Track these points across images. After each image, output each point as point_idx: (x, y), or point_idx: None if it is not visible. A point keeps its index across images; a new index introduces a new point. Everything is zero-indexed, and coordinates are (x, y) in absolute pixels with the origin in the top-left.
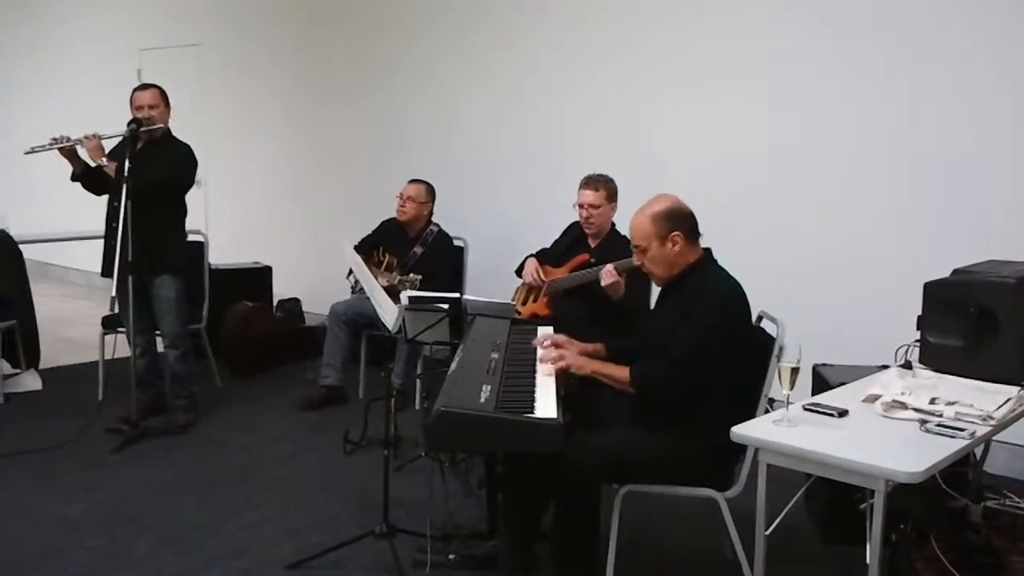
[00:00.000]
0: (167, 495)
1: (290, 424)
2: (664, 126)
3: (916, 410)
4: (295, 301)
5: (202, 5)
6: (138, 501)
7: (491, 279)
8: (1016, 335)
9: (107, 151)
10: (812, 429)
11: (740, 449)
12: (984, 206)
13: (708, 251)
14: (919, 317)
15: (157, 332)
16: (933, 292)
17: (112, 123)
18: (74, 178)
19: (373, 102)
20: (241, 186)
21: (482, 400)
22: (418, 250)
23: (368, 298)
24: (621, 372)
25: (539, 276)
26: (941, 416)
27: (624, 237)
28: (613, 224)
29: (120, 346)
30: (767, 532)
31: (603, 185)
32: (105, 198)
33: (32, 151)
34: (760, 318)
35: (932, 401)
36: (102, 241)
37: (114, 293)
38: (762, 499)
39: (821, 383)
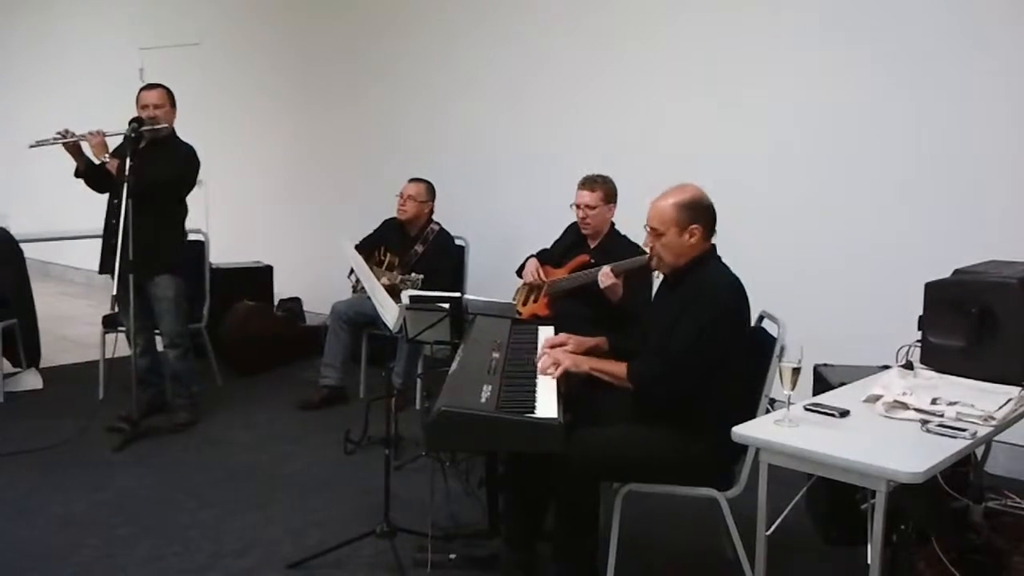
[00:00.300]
0: (168, 494)
1: (291, 423)
2: (664, 126)
3: (917, 410)
4: (296, 300)
5: (203, 4)
6: (139, 500)
7: (492, 279)
8: (1017, 335)
9: (111, 148)
10: (813, 429)
11: (741, 449)
12: (985, 206)
13: (713, 246)
14: (920, 317)
15: (157, 331)
16: (934, 292)
17: (113, 121)
18: (77, 174)
19: (374, 101)
20: (242, 185)
21: (483, 400)
22: (419, 249)
23: (369, 297)
24: (619, 368)
25: (539, 276)
26: (942, 416)
27: (624, 237)
28: (612, 224)
29: (121, 345)
30: (768, 532)
31: (600, 186)
32: (106, 196)
33: (37, 144)
34: (761, 318)
35: (933, 401)
36: (101, 239)
37: (114, 292)
38: (763, 499)
39: (822, 383)
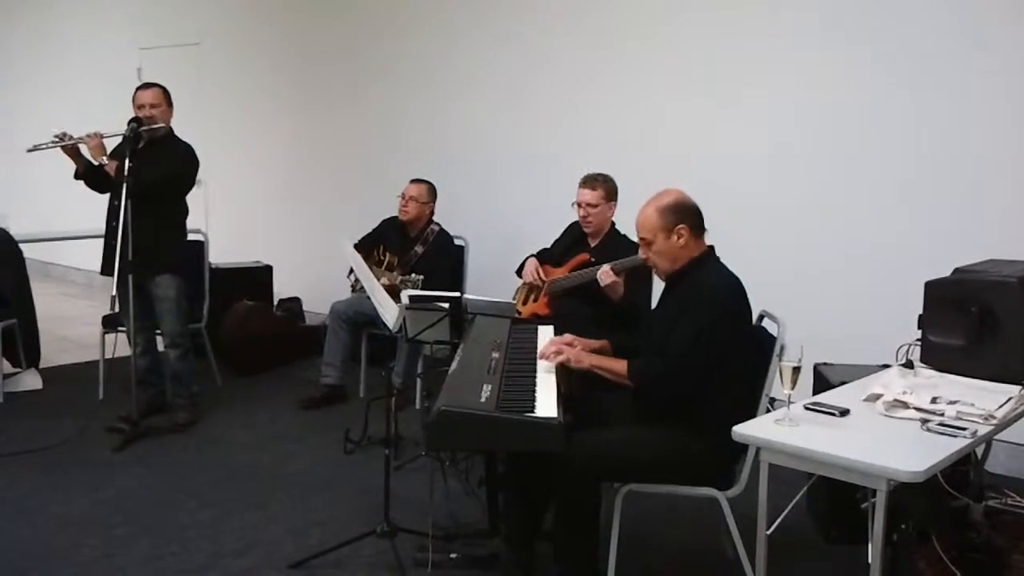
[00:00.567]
0: (168, 494)
1: (291, 423)
2: (665, 125)
3: (917, 409)
4: (295, 300)
5: (202, 4)
6: (139, 500)
7: (491, 278)
8: (1017, 334)
9: (108, 150)
10: (813, 428)
11: (741, 448)
12: (985, 206)
13: (711, 248)
14: (920, 316)
15: (157, 331)
16: (934, 291)
17: (112, 122)
18: (77, 176)
19: (374, 101)
20: (241, 185)
21: (483, 399)
22: (419, 249)
23: (368, 297)
24: (619, 366)
25: (539, 276)
26: (942, 415)
27: (624, 236)
28: (613, 223)
29: (120, 345)
30: (769, 531)
31: (601, 184)
32: (106, 196)
33: (35, 148)
34: (761, 317)
35: (933, 400)
36: (102, 240)
37: (114, 292)
38: (763, 498)
39: (822, 382)
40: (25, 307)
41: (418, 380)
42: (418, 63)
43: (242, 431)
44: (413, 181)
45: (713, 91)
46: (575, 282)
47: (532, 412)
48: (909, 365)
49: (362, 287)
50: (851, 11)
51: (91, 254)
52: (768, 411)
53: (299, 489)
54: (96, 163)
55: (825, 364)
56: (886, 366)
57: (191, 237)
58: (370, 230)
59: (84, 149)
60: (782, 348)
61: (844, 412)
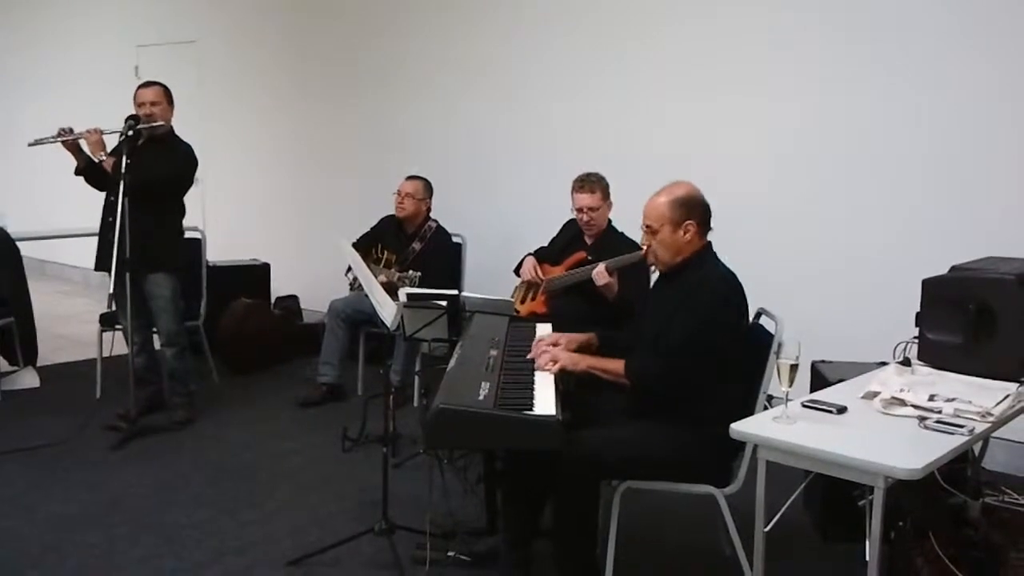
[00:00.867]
0: (166, 492)
1: (288, 421)
2: (664, 125)
3: (915, 407)
4: (293, 298)
5: (200, 2)
6: (137, 498)
7: (489, 276)
8: (1015, 332)
9: (109, 147)
10: (811, 426)
11: (739, 446)
12: (982, 203)
13: (709, 243)
14: (918, 314)
15: (154, 330)
16: (932, 289)
17: (110, 119)
18: (78, 172)
19: (371, 98)
20: (239, 183)
21: (481, 397)
22: (416, 246)
23: (367, 295)
24: (616, 365)
25: (537, 274)
26: (940, 413)
27: (621, 233)
28: (609, 221)
29: (118, 343)
30: (766, 529)
31: (598, 185)
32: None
33: (36, 143)
34: (759, 314)
35: (931, 398)
36: (98, 236)
37: (111, 290)
38: (761, 496)
39: (820, 380)
40: (22, 305)
41: (416, 378)
42: (416, 61)
43: (240, 429)
44: (409, 178)
45: (713, 91)
46: (573, 280)
47: (530, 410)
48: (906, 363)
49: (360, 285)
50: (851, 11)
51: (88, 252)
52: (766, 408)
53: (297, 487)
54: (96, 159)
55: (823, 362)
56: (884, 364)
57: (189, 235)
58: (368, 228)
59: (85, 145)
60: (780, 345)
61: (842, 409)
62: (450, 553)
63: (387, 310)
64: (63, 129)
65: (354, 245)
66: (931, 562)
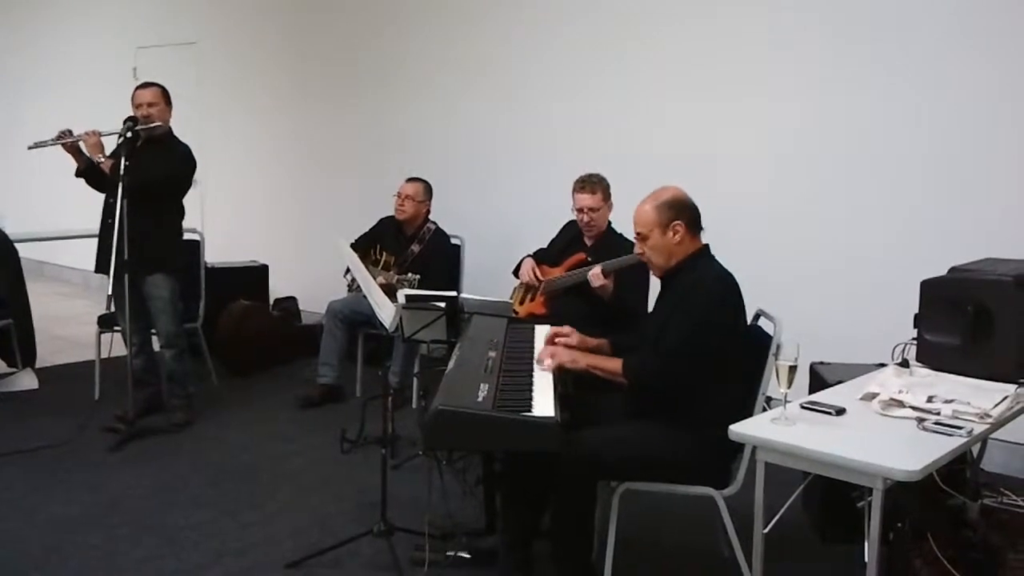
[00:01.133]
0: (165, 494)
1: (287, 423)
2: (663, 126)
3: (913, 408)
4: (292, 300)
5: (199, 3)
6: (136, 500)
7: (488, 278)
8: (1013, 333)
9: (108, 148)
10: (810, 427)
11: (738, 447)
12: (981, 204)
13: (706, 246)
14: (916, 315)
15: (152, 332)
16: (930, 290)
17: (109, 121)
18: (78, 174)
19: (371, 100)
20: (238, 184)
21: (480, 399)
22: (415, 248)
23: (365, 296)
24: (614, 364)
25: (536, 276)
26: (938, 414)
27: (620, 235)
28: (609, 222)
29: (116, 345)
30: (765, 530)
31: (598, 186)
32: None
33: (36, 146)
34: (758, 316)
35: (929, 399)
36: (96, 238)
37: (110, 292)
38: (760, 497)
39: (818, 381)
40: (21, 307)
41: (415, 379)
42: (416, 62)
43: (239, 431)
44: (409, 180)
45: (712, 91)
46: (571, 281)
47: (529, 411)
48: (905, 364)
49: (359, 287)
50: (851, 11)
51: (87, 254)
52: (764, 410)
53: (296, 489)
54: (94, 161)
55: (821, 363)
56: (882, 365)
57: (187, 236)
58: (367, 229)
59: (84, 147)
60: (779, 347)
61: (840, 411)
62: (449, 553)
63: (386, 311)
64: (62, 132)
65: (353, 246)
66: (930, 563)
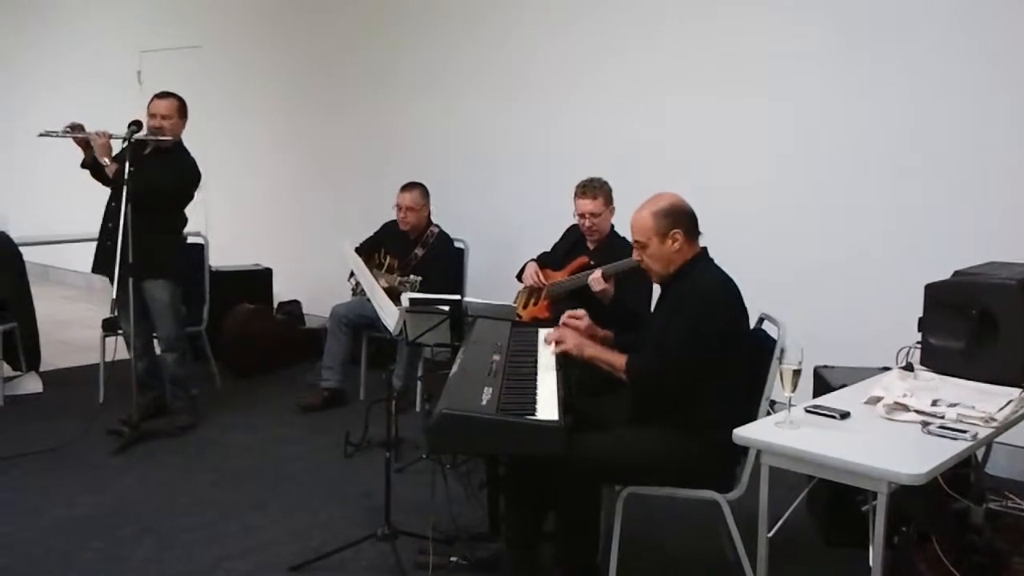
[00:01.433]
0: (169, 497)
1: (291, 426)
2: (665, 127)
3: (918, 412)
4: (295, 303)
5: (203, 7)
6: (140, 503)
7: (491, 281)
8: (1017, 337)
9: (114, 151)
10: (814, 431)
11: (742, 451)
12: (984, 208)
13: (704, 249)
14: (920, 319)
15: (154, 335)
16: (934, 294)
17: (111, 123)
18: (84, 165)
19: (374, 103)
20: (241, 188)
21: (484, 402)
22: (419, 252)
23: (369, 300)
24: (618, 360)
25: (539, 279)
26: (943, 418)
27: (623, 238)
28: (612, 226)
29: (120, 349)
30: (769, 534)
31: (600, 191)
32: (105, 198)
33: (46, 134)
34: (761, 320)
35: (934, 403)
36: (97, 239)
37: (114, 296)
38: (764, 501)
39: (822, 385)
40: (25, 310)
41: (418, 383)
42: (418, 66)
43: (242, 434)
44: (404, 189)
45: (713, 92)
46: (574, 285)
47: (533, 415)
48: (909, 368)
49: (363, 290)
50: (851, 11)
51: (90, 257)
52: (768, 414)
53: (300, 492)
54: (100, 163)
55: (825, 367)
56: (886, 369)
57: (191, 240)
58: (371, 233)
59: (93, 145)
60: (782, 351)
61: (844, 415)
62: (453, 558)
63: (390, 315)
64: (74, 124)
65: (357, 250)
66: (934, 567)
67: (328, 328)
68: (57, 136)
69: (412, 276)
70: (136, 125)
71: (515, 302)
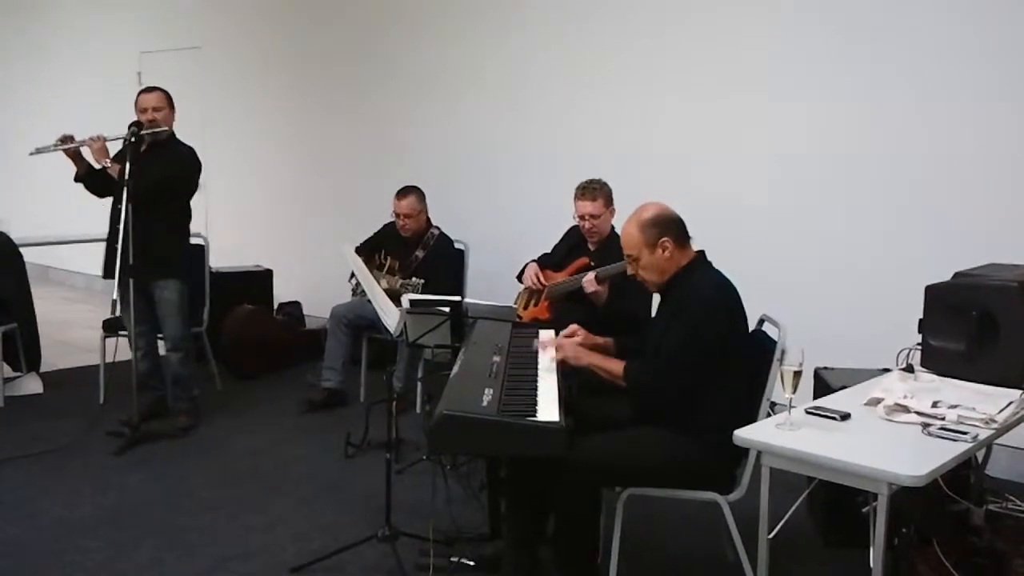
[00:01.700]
0: (169, 498)
1: (291, 427)
2: (666, 130)
3: (918, 413)
4: (296, 304)
5: (202, 8)
6: (140, 504)
7: (492, 283)
8: (1018, 338)
9: (111, 153)
10: (814, 432)
11: (742, 452)
12: (985, 209)
13: (701, 253)
14: (920, 320)
15: (159, 335)
16: (934, 295)
17: (113, 125)
18: (77, 179)
19: (374, 105)
20: (242, 189)
21: (484, 403)
22: (419, 254)
23: (369, 301)
24: (616, 366)
25: (539, 280)
26: (943, 419)
27: None
28: (612, 227)
29: (121, 349)
30: (770, 535)
31: (600, 192)
32: (107, 200)
33: (38, 152)
34: (762, 321)
35: (934, 404)
36: (104, 243)
37: (115, 296)
38: (765, 502)
39: (823, 386)
40: (26, 311)
41: (419, 384)
42: (418, 67)
43: (243, 435)
44: (399, 195)
45: (713, 93)
46: (574, 286)
47: (534, 416)
48: (910, 369)
49: (363, 291)
50: (852, 12)
51: (91, 258)
52: (769, 415)
53: (300, 493)
54: (99, 166)
55: (826, 368)
56: (887, 370)
57: (192, 241)
58: (371, 234)
59: (86, 153)
60: (783, 352)
61: (845, 416)
62: (453, 559)
63: (390, 316)
64: (64, 137)
65: (357, 251)
66: (934, 569)
67: (328, 329)
68: (50, 151)
69: (414, 279)
70: (136, 126)
71: (515, 303)
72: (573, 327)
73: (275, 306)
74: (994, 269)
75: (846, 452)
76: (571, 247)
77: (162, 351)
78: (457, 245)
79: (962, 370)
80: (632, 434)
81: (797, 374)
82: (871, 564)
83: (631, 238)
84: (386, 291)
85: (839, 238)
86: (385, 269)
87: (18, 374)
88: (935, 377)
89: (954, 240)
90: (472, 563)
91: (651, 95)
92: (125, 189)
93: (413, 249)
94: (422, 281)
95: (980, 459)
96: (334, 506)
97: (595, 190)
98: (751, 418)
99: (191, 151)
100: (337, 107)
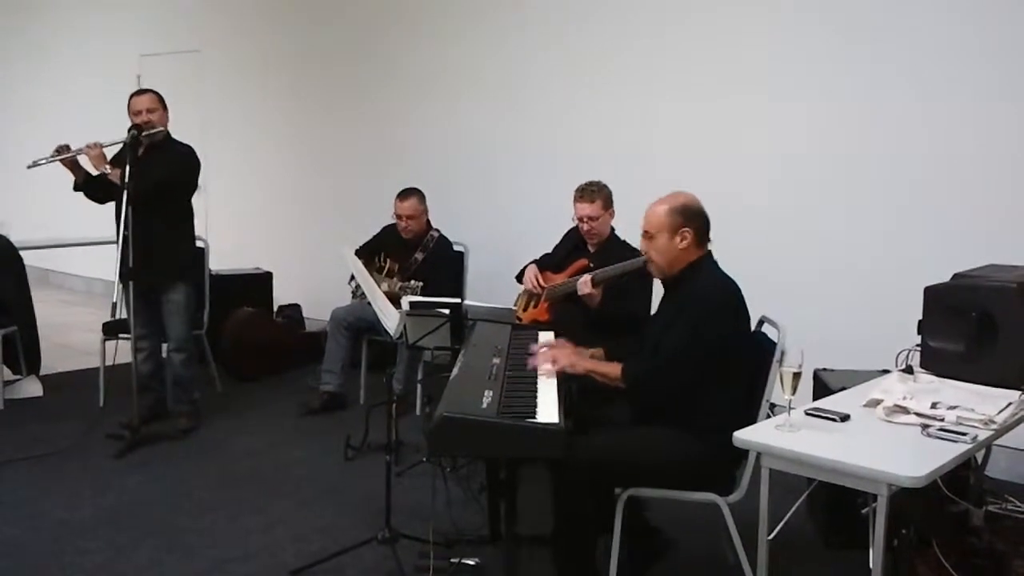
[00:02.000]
0: (169, 500)
1: (291, 429)
2: (666, 130)
3: (918, 414)
4: (295, 307)
5: (202, 11)
6: (140, 506)
7: (491, 284)
8: (1017, 339)
9: (109, 158)
10: (814, 434)
11: (742, 454)
12: (985, 209)
13: (708, 253)
14: (920, 321)
15: (163, 339)
16: (934, 296)
17: (112, 129)
18: (76, 188)
19: (374, 107)
20: (241, 192)
21: (484, 405)
22: (419, 256)
23: (369, 303)
24: (614, 369)
25: (538, 282)
26: (943, 420)
27: (623, 241)
28: (612, 228)
29: (121, 352)
30: (770, 537)
31: (599, 194)
32: (108, 205)
33: (35, 164)
34: (761, 322)
35: (933, 405)
36: (104, 247)
37: (115, 299)
38: (764, 504)
39: (822, 388)
40: (25, 314)
41: (419, 386)
42: (418, 70)
43: (243, 437)
44: (401, 197)
45: (713, 94)
46: (571, 288)
47: (533, 418)
48: (909, 370)
49: (363, 293)
50: (852, 12)
51: (91, 261)
52: (768, 417)
53: (300, 495)
54: (98, 172)
55: (825, 370)
56: (886, 371)
57: None
58: (371, 237)
59: (84, 160)
60: (782, 353)
61: (844, 417)
62: (453, 560)
63: (390, 318)
64: (60, 147)
65: (356, 253)
66: (934, 570)
67: (328, 331)
68: (46, 162)
69: (413, 282)
70: (136, 129)
71: (515, 305)
72: (560, 341)
73: (275, 309)
74: (993, 270)
75: (845, 453)
76: (571, 248)
77: (164, 353)
78: (457, 246)
79: (961, 371)
80: (632, 435)
81: (796, 375)
82: (871, 565)
83: (656, 216)
84: (385, 294)
85: (839, 238)
86: (385, 271)
87: (18, 377)
88: (934, 378)
89: (954, 240)
90: (472, 564)
91: (651, 95)
92: (125, 192)
93: (413, 251)
94: (420, 284)
95: (979, 460)
96: (334, 508)
97: (594, 192)
98: (751, 419)
99: (189, 150)
100: (337, 108)
